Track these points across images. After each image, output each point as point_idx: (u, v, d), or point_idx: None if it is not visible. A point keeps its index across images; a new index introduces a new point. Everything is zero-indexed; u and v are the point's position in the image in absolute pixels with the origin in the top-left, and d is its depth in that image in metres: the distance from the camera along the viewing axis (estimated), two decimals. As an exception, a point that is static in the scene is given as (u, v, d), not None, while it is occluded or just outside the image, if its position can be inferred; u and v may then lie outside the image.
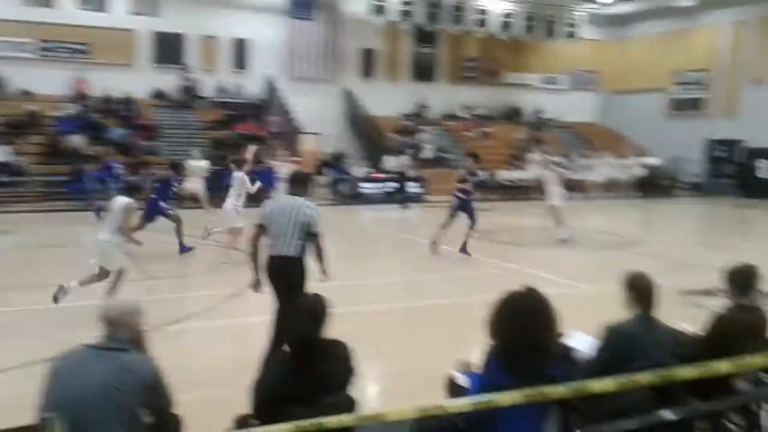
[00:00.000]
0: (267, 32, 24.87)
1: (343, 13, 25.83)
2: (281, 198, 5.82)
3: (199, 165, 16.46)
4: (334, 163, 22.73)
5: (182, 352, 6.24)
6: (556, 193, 13.57)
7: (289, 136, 23.16)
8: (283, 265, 5.58)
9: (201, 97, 23.79)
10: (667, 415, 2.21)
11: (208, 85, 24.18)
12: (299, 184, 5.87)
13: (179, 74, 23.42)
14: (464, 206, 11.32)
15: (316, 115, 24.27)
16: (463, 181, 11.47)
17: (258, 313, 7.75)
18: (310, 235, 5.60)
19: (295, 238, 5.55)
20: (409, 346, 6.69)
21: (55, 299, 7.20)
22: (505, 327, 3.39)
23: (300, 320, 3.66)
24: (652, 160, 25.90)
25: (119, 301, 4.18)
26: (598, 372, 3.97)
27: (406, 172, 21.85)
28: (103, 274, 7.56)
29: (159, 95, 23.53)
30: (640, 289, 4.17)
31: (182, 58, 23.87)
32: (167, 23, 23.60)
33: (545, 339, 3.43)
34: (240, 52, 24.92)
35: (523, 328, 3.35)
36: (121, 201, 7.72)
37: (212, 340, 6.85)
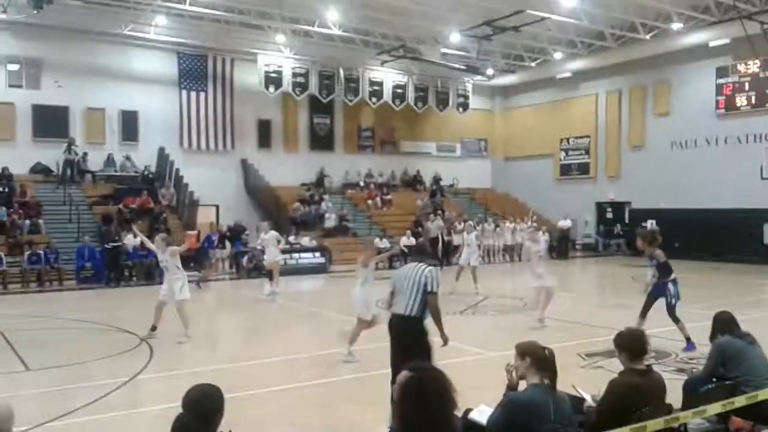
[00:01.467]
0: (158, 103, 24.21)
1: (236, 86, 25.64)
2: (407, 264, 6.54)
3: (268, 237, 15.87)
4: (233, 235, 22.04)
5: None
6: (465, 254, 15.88)
7: (184, 208, 22.43)
8: (400, 323, 6.00)
9: (87, 171, 22.71)
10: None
11: (97, 158, 23.13)
12: (420, 253, 6.87)
13: (63, 148, 22.09)
14: (657, 291, 9.88)
15: (214, 187, 23.75)
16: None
17: (149, 404, 7.15)
18: (427, 295, 5.94)
19: (414, 299, 5.95)
20: (318, 427, 6.37)
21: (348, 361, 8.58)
22: (404, 409, 3.24)
23: (186, 419, 3.26)
24: (565, 223, 26.62)
25: None
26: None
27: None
28: (363, 323, 8.78)
29: (41, 170, 22.35)
30: (534, 358, 4.09)
31: (67, 132, 22.63)
32: (48, 96, 22.39)
33: (444, 416, 3.26)
34: (130, 124, 23.99)
35: (421, 410, 3.21)
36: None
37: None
